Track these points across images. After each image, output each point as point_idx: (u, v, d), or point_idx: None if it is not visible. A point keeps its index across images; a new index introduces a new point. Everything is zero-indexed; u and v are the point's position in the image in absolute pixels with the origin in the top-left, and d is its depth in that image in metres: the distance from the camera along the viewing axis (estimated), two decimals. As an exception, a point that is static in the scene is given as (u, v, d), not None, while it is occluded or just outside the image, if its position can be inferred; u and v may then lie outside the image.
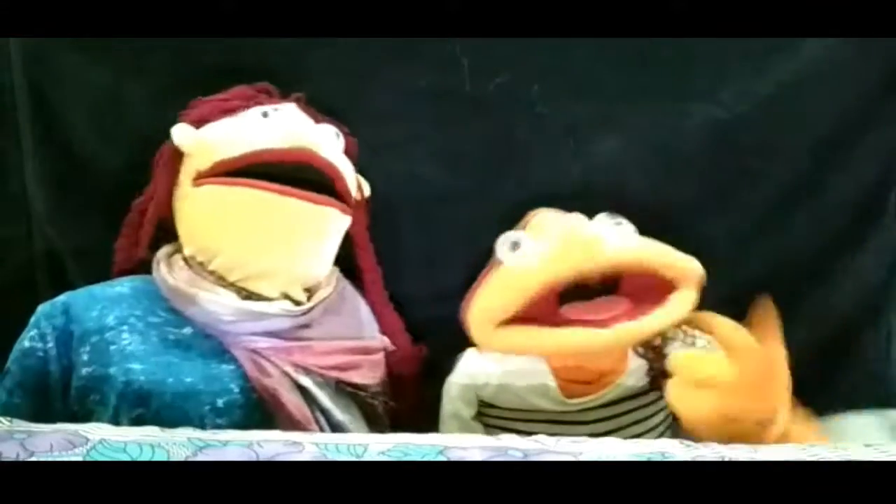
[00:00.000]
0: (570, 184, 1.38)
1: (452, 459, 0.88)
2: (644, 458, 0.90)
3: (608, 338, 1.14)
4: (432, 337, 1.31)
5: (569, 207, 1.29)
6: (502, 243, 1.20)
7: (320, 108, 1.35)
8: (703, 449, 0.93)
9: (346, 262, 1.39)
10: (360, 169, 1.36)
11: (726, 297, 1.35)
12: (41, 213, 1.46)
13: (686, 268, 1.20)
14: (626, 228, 1.21)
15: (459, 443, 0.91)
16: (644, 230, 1.29)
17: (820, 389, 1.32)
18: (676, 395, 1.13)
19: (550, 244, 1.16)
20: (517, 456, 0.90)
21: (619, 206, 1.31)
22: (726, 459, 0.90)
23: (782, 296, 1.36)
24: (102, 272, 1.33)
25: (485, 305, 1.19)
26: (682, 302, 1.19)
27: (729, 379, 1.10)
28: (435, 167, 1.39)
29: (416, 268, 1.41)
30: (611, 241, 1.15)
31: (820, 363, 1.40)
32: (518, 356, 1.27)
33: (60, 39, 1.37)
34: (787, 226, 1.40)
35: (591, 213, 1.27)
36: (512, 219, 1.32)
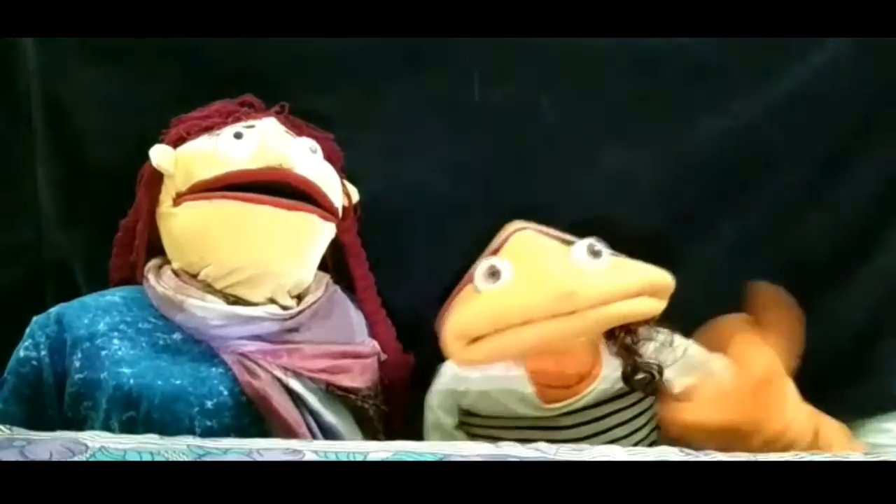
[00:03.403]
0: (577, 193, 1.38)
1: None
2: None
3: (571, 326, 1.16)
4: (436, 343, 1.29)
5: (576, 216, 1.31)
6: (481, 269, 1.22)
7: (324, 115, 1.37)
8: (702, 456, 0.95)
9: (341, 269, 1.41)
10: (364, 175, 1.38)
11: (736, 306, 1.38)
12: (52, 218, 1.47)
13: (656, 282, 1.22)
14: (602, 261, 1.20)
15: (459, 450, 0.92)
16: (652, 238, 1.32)
17: (832, 396, 1.33)
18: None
19: (527, 286, 1.17)
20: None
21: (626, 215, 1.35)
22: (726, 460, 0.92)
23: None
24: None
25: (459, 327, 1.20)
26: (648, 304, 1.21)
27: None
28: (443, 175, 1.40)
29: (421, 274, 1.41)
30: (585, 289, 1.15)
31: (832, 370, 1.40)
32: (494, 364, 1.27)
33: (75, 46, 1.39)
34: (796, 234, 1.40)
35: (598, 221, 1.28)
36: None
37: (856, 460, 0.92)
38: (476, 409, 1.32)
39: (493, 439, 1.22)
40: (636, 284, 1.19)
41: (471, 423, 1.33)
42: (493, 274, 1.20)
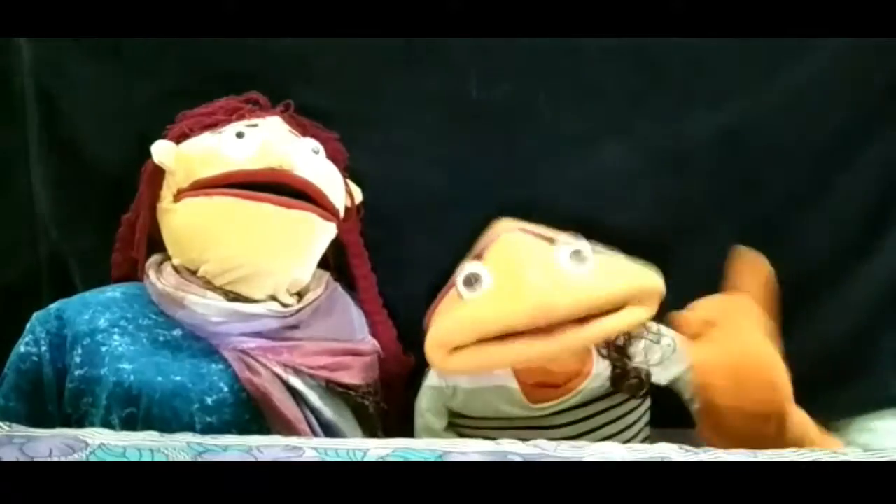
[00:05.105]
0: (575, 190, 1.38)
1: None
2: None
3: (552, 348, 1.14)
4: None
5: (573, 213, 1.30)
6: (461, 274, 1.20)
7: (324, 113, 1.37)
8: (702, 454, 0.95)
9: (343, 268, 1.40)
10: (363, 173, 1.38)
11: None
12: (47, 215, 1.47)
13: (643, 289, 1.19)
14: (586, 267, 1.18)
15: (458, 447, 0.92)
16: (650, 237, 1.32)
17: (832, 394, 1.35)
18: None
19: (506, 295, 1.15)
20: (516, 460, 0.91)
21: (624, 213, 1.35)
22: (726, 460, 0.91)
23: (792, 303, 1.38)
24: (106, 274, 1.36)
25: (440, 336, 1.19)
26: (635, 314, 1.18)
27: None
28: (439, 173, 1.40)
29: (418, 272, 1.39)
30: (565, 300, 1.13)
31: (832, 368, 1.40)
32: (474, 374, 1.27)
33: (69, 44, 1.39)
34: (795, 232, 1.40)
35: (596, 220, 1.29)
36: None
37: (856, 460, 0.92)
38: (465, 410, 1.31)
39: (483, 439, 1.22)
40: (621, 292, 1.17)
41: (460, 424, 1.33)
42: (474, 280, 1.19)
